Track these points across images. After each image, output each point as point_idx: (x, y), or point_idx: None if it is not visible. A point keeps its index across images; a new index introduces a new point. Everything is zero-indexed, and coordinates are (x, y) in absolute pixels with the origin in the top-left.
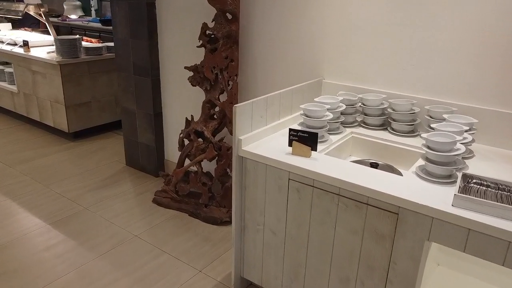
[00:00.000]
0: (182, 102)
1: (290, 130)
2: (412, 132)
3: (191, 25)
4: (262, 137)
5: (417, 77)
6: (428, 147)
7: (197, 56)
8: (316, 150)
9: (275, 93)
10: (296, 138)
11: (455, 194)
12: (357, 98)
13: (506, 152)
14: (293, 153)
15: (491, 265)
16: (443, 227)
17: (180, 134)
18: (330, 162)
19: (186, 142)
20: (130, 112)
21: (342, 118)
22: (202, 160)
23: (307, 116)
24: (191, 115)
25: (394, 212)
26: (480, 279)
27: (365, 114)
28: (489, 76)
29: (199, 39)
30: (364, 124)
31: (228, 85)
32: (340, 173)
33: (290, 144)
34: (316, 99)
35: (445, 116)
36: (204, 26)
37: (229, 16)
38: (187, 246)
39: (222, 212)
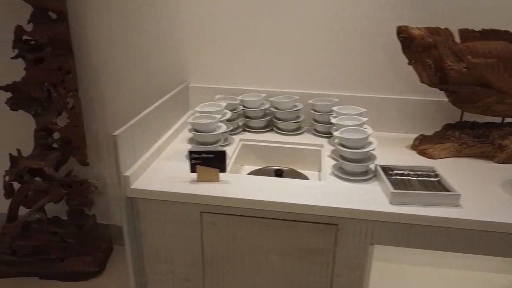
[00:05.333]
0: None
1: (191, 152)
2: (298, 130)
3: None
4: (147, 167)
5: (291, 71)
6: (342, 145)
7: (15, 70)
8: (225, 171)
9: (150, 109)
10: (200, 161)
11: (392, 192)
12: (238, 101)
13: (391, 135)
14: (198, 180)
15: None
16: (384, 228)
17: (5, 177)
18: (244, 182)
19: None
20: None
21: (230, 127)
22: (44, 204)
23: (197, 131)
24: (17, 149)
25: (333, 223)
26: (407, 263)
27: (247, 117)
28: (354, 63)
29: (14, 47)
30: (248, 128)
31: (67, 103)
32: (262, 193)
33: (193, 170)
34: (198, 109)
35: (334, 108)
36: (19, 30)
37: (53, 16)
38: None
39: (86, 262)
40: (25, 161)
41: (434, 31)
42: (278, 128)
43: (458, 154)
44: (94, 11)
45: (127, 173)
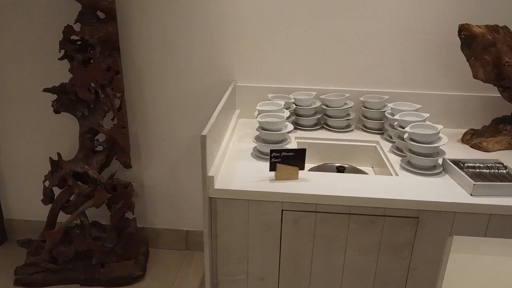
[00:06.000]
0: (32, 137)
1: (272, 151)
2: (348, 127)
3: (38, 29)
4: (221, 167)
5: (338, 69)
6: (413, 140)
7: (56, 72)
8: (303, 169)
9: (219, 108)
10: (280, 160)
11: (474, 184)
12: (292, 99)
13: (445, 131)
14: (277, 178)
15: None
16: (464, 219)
17: (45, 181)
18: (322, 179)
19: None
20: None
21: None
22: (86, 209)
23: (265, 130)
24: (58, 153)
25: (414, 216)
26: (482, 254)
27: (298, 115)
28: (404, 61)
29: (61, 48)
30: (299, 125)
31: (114, 105)
32: (345, 189)
33: (272, 168)
34: (259, 108)
35: (390, 105)
36: (69, 30)
37: (102, 15)
38: None
39: (129, 266)
40: (69, 165)
41: (493, 28)
42: (329, 126)
43: (510, 146)
44: (139, 11)
45: (211, 173)
